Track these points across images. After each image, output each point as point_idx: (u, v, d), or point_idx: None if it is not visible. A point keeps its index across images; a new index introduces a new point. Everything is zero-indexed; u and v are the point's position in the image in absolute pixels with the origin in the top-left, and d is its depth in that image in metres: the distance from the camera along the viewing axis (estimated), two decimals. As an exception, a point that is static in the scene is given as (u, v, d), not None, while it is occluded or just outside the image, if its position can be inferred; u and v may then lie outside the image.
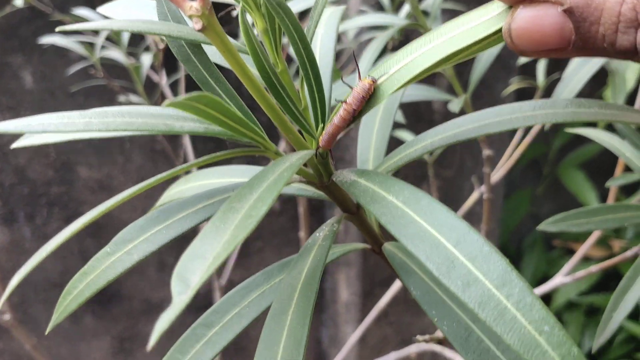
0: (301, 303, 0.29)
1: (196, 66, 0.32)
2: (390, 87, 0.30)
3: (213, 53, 0.35)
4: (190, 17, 0.25)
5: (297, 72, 0.40)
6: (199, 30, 0.25)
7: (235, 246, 0.21)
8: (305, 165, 0.34)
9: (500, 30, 0.28)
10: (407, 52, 0.30)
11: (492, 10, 0.28)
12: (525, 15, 0.27)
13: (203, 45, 0.33)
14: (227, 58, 0.27)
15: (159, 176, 0.30)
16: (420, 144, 0.32)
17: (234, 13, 0.36)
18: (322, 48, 0.38)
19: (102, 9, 0.39)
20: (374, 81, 0.31)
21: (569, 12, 0.26)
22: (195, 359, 0.34)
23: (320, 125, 0.32)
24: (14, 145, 0.36)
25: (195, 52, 0.32)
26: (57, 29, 0.32)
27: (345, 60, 1.20)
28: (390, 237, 0.38)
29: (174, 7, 0.33)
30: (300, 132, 0.34)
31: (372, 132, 0.41)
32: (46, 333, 0.36)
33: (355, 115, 0.32)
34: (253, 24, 0.32)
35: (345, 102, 0.32)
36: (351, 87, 0.32)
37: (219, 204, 0.34)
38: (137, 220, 0.35)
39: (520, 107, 0.31)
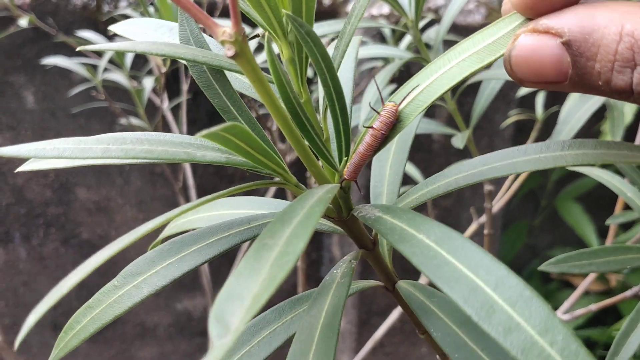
0: (323, 345, 0.28)
1: (218, 93, 0.32)
2: (414, 110, 0.30)
3: (233, 80, 0.34)
4: (222, 43, 0.24)
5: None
6: (231, 57, 0.25)
7: (276, 286, 0.19)
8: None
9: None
10: (427, 75, 0.30)
11: (501, 28, 0.28)
12: (525, 44, 0.27)
13: (226, 72, 0.32)
14: (257, 87, 0.26)
15: (182, 208, 0.28)
16: (434, 185, 0.33)
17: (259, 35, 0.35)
18: (342, 78, 0.37)
19: (114, 27, 0.38)
20: (397, 105, 0.31)
21: (567, 45, 0.26)
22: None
23: (344, 159, 0.32)
24: (20, 169, 0.35)
25: (217, 79, 0.32)
26: (78, 49, 0.31)
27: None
28: (405, 275, 0.37)
29: (197, 31, 0.32)
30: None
31: (385, 164, 0.41)
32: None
33: (382, 142, 0.31)
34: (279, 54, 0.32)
35: (372, 127, 0.31)
36: (377, 112, 0.31)
37: (235, 236, 0.33)
38: (146, 253, 0.34)
39: (525, 150, 0.30)
